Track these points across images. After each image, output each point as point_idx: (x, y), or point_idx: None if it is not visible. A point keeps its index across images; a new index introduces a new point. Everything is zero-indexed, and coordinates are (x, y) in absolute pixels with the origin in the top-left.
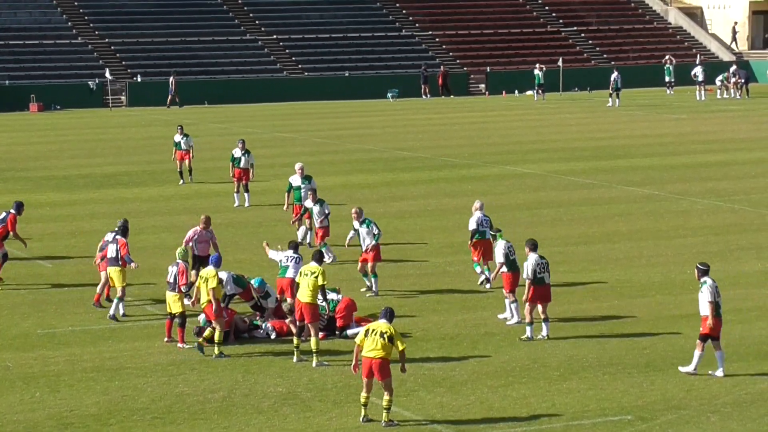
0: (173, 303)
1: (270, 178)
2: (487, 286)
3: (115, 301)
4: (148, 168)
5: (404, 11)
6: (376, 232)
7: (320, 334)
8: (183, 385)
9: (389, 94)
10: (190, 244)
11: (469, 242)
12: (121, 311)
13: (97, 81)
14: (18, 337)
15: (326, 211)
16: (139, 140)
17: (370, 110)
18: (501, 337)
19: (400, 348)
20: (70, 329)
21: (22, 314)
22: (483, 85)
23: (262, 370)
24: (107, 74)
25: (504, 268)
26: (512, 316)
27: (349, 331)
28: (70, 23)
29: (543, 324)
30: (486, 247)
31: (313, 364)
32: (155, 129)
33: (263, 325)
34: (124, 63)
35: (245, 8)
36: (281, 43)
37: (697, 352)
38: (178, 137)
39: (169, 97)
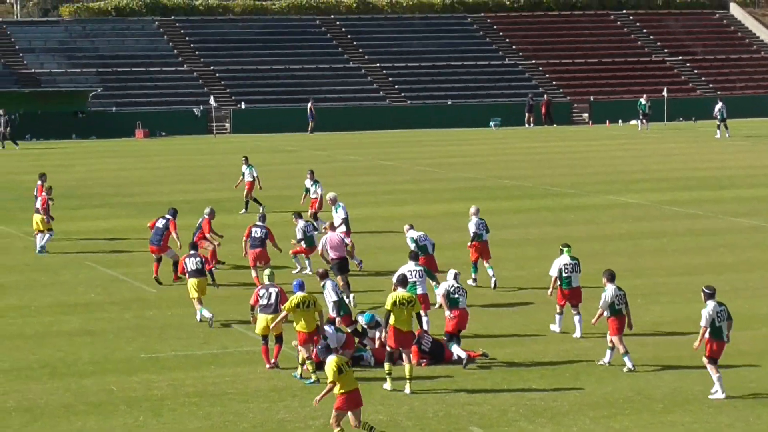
0: (276, 326)
1: (370, 205)
2: (472, 284)
3: (204, 310)
4: (262, 194)
5: (507, 39)
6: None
7: (422, 362)
8: (284, 412)
9: (491, 123)
10: (326, 249)
11: (469, 244)
12: (207, 315)
13: (201, 108)
14: (122, 361)
15: (319, 191)
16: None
17: (473, 139)
18: (603, 368)
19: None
20: (173, 354)
21: (127, 338)
22: (586, 115)
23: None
24: (212, 101)
25: (557, 283)
26: (557, 326)
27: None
28: (176, 51)
29: (608, 351)
30: (483, 249)
31: (407, 390)
32: (258, 156)
33: (365, 354)
34: (228, 90)
35: (349, 36)
36: (384, 71)
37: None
38: (244, 168)
39: (311, 123)
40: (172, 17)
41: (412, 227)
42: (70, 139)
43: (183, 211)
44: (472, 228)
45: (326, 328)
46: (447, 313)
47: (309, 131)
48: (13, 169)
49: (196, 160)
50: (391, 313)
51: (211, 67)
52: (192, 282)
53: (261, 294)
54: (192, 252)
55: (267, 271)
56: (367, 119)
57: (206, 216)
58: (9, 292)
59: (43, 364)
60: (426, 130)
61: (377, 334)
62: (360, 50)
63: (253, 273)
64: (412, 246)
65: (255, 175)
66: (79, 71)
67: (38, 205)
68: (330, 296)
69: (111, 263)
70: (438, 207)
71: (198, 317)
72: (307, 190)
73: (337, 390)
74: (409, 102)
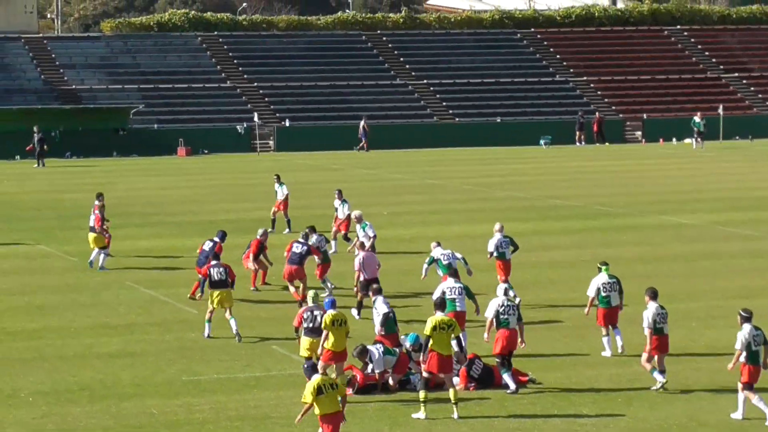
0: (317, 347)
1: (418, 225)
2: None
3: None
4: (295, 213)
5: (558, 55)
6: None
7: (471, 386)
8: None
9: (542, 141)
10: (362, 270)
11: (488, 258)
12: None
13: (245, 125)
14: (163, 384)
15: (346, 211)
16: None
17: (522, 157)
18: (656, 394)
19: None
20: (215, 376)
21: (168, 360)
22: (639, 133)
23: (408, 422)
24: (255, 118)
25: (598, 303)
26: (606, 350)
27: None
28: (219, 67)
29: (658, 374)
30: (505, 267)
31: (454, 416)
32: (303, 174)
33: (412, 378)
34: (272, 107)
35: (395, 52)
36: (432, 88)
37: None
38: (276, 186)
39: (363, 141)
40: (216, 32)
41: (439, 244)
42: (111, 156)
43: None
44: (490, 246)
45: (372, 348)
46: (485, 335)
47: (359, 148)
48: (54, 188)
49: (239, 179)
50: (430, 338)
51: (255, 84)
52: (213, 293)
53: (305, 316)
54: (215, 262)
55: (311, 293)
56: (414, 137)
57: (258, 237)
58: (49, 312)
59: (82, 386)
60: (474, 148)
61: (422, 357)
62: (407, 67)
63: (291, 288)
64: (425, 266)
65: (286, 193)
66: (120, 87)
67: (92, 223)
68: (381, 309)
69: (152, 283)
70: (486, 227)
71: (206, 333)
72: (336, 210)
73: (317, 411)
74: (457, 119)
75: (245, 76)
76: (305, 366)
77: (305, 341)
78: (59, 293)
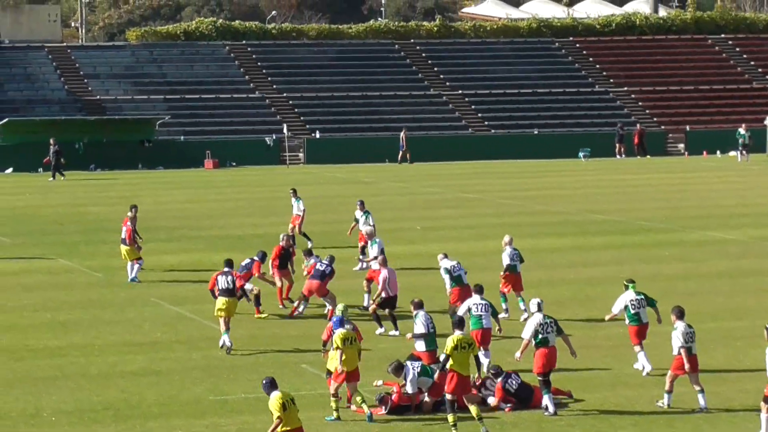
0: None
1: (452, 240)
2: (504, 315)
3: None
4: (325, 228)
5: (598, 66)
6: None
7: (506, 407)
8: None
9: (581, 154)
10: (387, 287)
11: (501, 274)
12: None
13: (274, 137)
14: (189, 403)
15: (371, 222)
16: (316, 199)
17: (560, 170)
18: (700, 416)
19: None
20: (243, 396)
21: (194, 379)
22: (682, 145)
23: None
24: (285, 130)
25: (626, 320)
26: (644, 366)
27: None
28: (247, 77)
29: (699, 396)
30: (516, 280)
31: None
32: (333, 187)
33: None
34: (302, 118)
35: (429, 62)
36: (467, 99)
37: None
38: (293, 201)
39: (400, 152)
40: (244, 41)
41: (446, 256)
42: (136, 169)
43: (252, 245)
44: (505, 259)
45: (408, 365)
46: (517, 354)
47: (399, 161)
48: (78, 201)
49: (268, 192)
50: (450, 358)
51: (284, 94)
52: (220, 300)
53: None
54: (226, 270)
55: (341, 306)
56: (448, 149)
57: (281, 243)
58: (72, 329)
59: (106, 405)
60: (511, 161)
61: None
62: (441, 76)
63: (301, 307)
64: (446, 276)
65: (303, 208)
66: (146, 98)
67: (123, 235)
68: (418, 328)
69: (178, 300)
70: (523, 242)
71: (221, 342)
72: (357, 221)
73: (280, 428)
74: (493, 131)
75: (274, 86)
76: (264, 382)
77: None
78: (83, 309)
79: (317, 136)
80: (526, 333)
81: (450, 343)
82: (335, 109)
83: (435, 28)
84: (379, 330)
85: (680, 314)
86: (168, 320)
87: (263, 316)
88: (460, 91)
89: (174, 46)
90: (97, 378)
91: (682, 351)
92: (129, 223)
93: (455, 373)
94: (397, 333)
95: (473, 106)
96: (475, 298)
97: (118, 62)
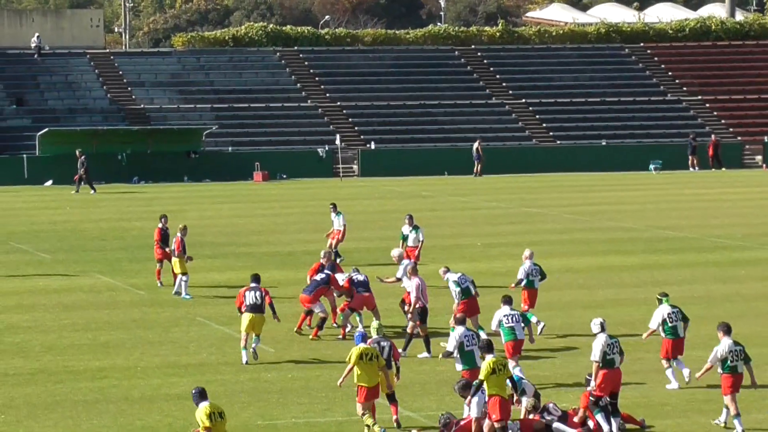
0: (391, 381)
1: (515, 257)
2: (539, 330)
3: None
4: (381, 245)
5: (670, 73)
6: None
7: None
8: None
9: (651, 166)
10: (420, 297)
11: (512, 285)
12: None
13: (326, 148)
14: (237, 429)
15: (421, 237)
16: (371, 214)
17: (630, 184)
18: None
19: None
20: (293, 421)
21: (242, 403)
22: (760, 157)
23: None
24: (338, 141)
25: (661, 332)
26: (672, 382)
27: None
28: (299, 85)
29: (724, 410)
30: (532, 296)
31: None
32: (390, 202)
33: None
34: (356, 128)
35: (491, 69)
36: (531, 108)
37: None
38: (333, 216)
39: (477, 165)
40: (295, 48)
41: (448, 270)
42: (182, 182)
43: (306, 263)
44: (521, 273)
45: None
46: (592, 384)
47: (475, 174)
48: (121, 215)
49: (320, 207)
50: (487, 383)
51: (338, 103)
52: (246, 317)
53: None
54: (253, 285)
55: (375, 323)
56: (511, 161)
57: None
58: (114, 351)
59: (150, 430)
60: (577, 173)
61: (524, 401)
62: (504, 84)
63: (359, 326)
64: (455, 289)
65: (344, 224)
66: (192, 107)
67: (172, 246)
68: (450, 344)
69: (225, 320)
70: (590, 260)
71: (244, 359)
72: (405, 238)
73: None
74: (558, 142)
75: (327, 94)
76: (193, 392)
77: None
78: (125, 329)
79: (372, 147)
80: (595, 355)
81: (485, 368)
82: (391, 118)
83: (497, 34)
84: (423, 354)
85: (727, 330)
86: (215, 341)
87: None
88: (523, 100)
89: (222, 53)
90: (139, 401)
91: (718, 369)
92: (179, 234)
93: (498, 397)
94: (428, 356)
95: (538, 116)
96: (505, 309)
97: (163, 69)
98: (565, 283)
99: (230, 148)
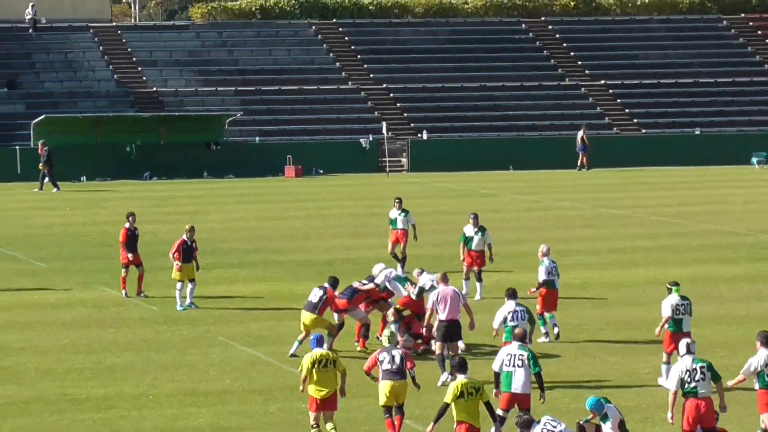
0: (401, 393)
1: (593, 267)
2: (544, 339)
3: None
4: (433, 251)
5: None
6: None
7: None
8: None
9: (754, 159)
10: (436, 308)
11: (533, 290)
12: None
13: (371, 138)
14: None
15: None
16: (422, 216)
17: (729, 180)
18: None
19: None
20: None
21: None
22: None
23: None
24: (384, 130)
25: (667, 326)
26: (664, 376)
27: None
28: (338, 64)
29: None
30: (552, 298)
31: None
32: (443, 202)
33: None
34: (405, 115)
35: (564, 45)
36: (611, 91)
37: None
38: (394, 213)
39: (582, 156)
40: (334, 20)
41: (423, 271)
42: (201, 178)
43: (345, 273)
44: (542, 273)
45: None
46: (669, 416)
47: (579, 167)
48: None
49: (363, 207)
50: (453, 407)
51: (384, 85)
52: (303, 315)
53: (381, 358)
54: (325, 285)
55: (387, 332)
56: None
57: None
58: (123, 376)
59: None
60: (666, 168)
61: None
62: (579, 63)
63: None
64: (431, 295)
65: (412, 222)
66: (213, 90)
67: (173, 251)
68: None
69: (252, 340)
70: (681, 271)
71: (291, 350)
72: (467, 241)
73: None
74: (643, 131)
75: (371, 75)
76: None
77: (385, 386)
78: (135, 351)
79: (424, 137)
80: (672, 383)
81: (452, 390)
82: (446, 103)
83: (572, 3)
84: (442, 377)
85: (766, 341)
86: (239, 365)
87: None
88: (602, 81)
89: (248, 26)
90: None
91: (756, 384)
92: (184, 236)
93: (465, 425)
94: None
95: (619, 100)
96: (510, 305)
97: (179, 46)
98: (652, 298)
99: (257, 139)
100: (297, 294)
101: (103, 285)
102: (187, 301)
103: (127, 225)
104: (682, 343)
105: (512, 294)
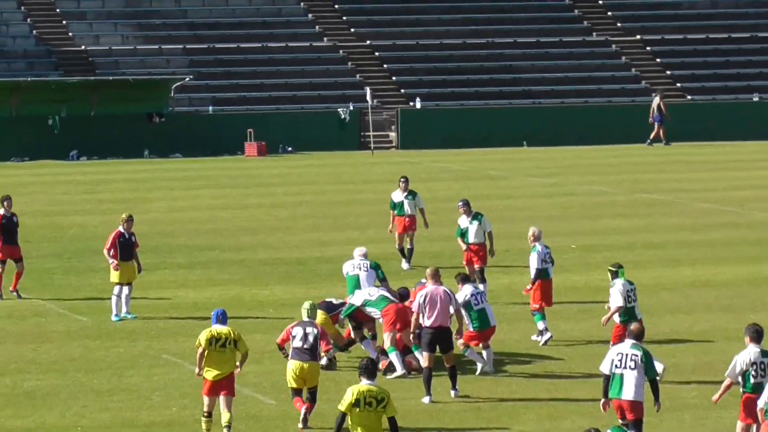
0: (311, 376)
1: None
2: (540, 341)
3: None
4: (431, 248)
5: None
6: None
7: None
8: None
9: None
10: (422, 311)
11: (529, 287)
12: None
13: (351, 108)
14: None
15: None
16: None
17: None
18: None
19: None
20: None
21: None
22: None
23: None
24: (368, 97)
25: (616, 317)
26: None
27: None
28: (311, 16)
29: None
30: (547, 289)
31: None
32: (442, 186)
33: None
34: (394, 79)
35: None
36: (648, 48)
37: None
38: (399, 195)
39: (657, 127)
40: None
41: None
42: (141, 157)
43: (319, 275)
44: (534, 262)
45: None
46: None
47: (649, 142)
48: (52, 208)
49: (342, 193)
50: (349, 417)
51: (368, 42)
52: (292, 364)
53: (294, 333)
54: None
55: (307, 304)
56: (619, 124)
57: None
58: (44, 403)
59: None
60: (716, 143)
61: None
62: (609, 14)
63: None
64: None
65: (421, 207)
66: (155, 49)
67: (107, 246)
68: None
69: None
70: (735, 270)
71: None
72: (463, 233)
73: None
74: (689, 97)
75: (352, 29)
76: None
77: (293, 366)
78: (60, 373)
79: (417, 105)
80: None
81: (348, 396)
82: (445, 64)
83: None
84: (426, 399)
85: (756, 335)
86: (189, 389)
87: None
88: (638, 36)
89: None
90: None
91: (728, 382)
92: (120, 227)
93: None
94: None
95: (658, 60)
96: (468, 288)
97: None
98: (698, 303)
99: (211, 109)
100: (260, 301)
101: (20, 290)
102: (123, 309)
103: (1, 211)
104: (751, 351)
105: (465, 278)
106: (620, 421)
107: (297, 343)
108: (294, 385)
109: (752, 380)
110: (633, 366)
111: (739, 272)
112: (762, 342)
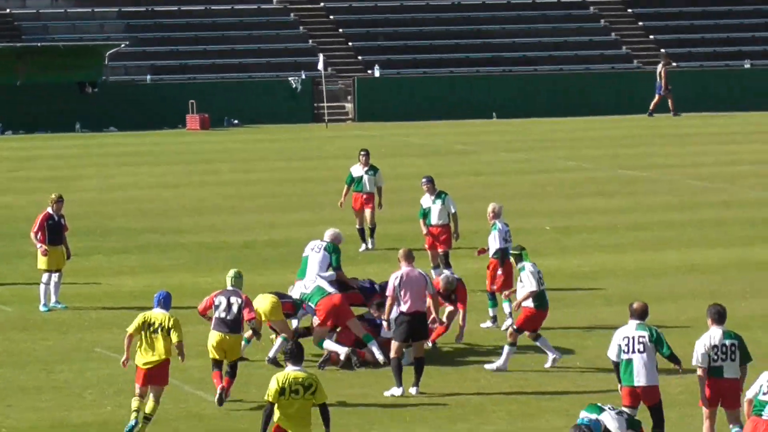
0: (232, 349)
1: (603, 250)
2: (489, 324)
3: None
4: (392, 230)
5: None
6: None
7: None
8: None
9: None
10: (398, 294)
11: (481, 249)
12: None
13: (303, 76)
14: None
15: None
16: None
17: None
18: None
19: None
20: None
21: None
22: None
23: None
24: (320, 65)
25: (530, 302)
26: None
27: None
28: None
29: None
30: (507, 272)
31: None
32: (404, 162)
33: None
34: (351, 44)
35: None
36: (630, 10)
37: None
38: (359, 170)
39: (657, 96)
40: None
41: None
42: (73, 131)
43: (267, 260)
44: (494, 241)
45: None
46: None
47: (650, 112)
48: None
49: (293, 170)
50: (275, 407)
51: (321, 4)
52: (213, 335)
53: (217, 302)
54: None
55: (232, 272)
56: (596, 94)
57: None
58: None
59: None
60: (704, 114)
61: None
62: None
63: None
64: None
65: (381, 185)
66: (88, 12)
67: (35, 229)
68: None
69: None
70: (726, 253)
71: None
72: (425, 213)
73: None
74: (674, 64)
75: None
76: None
77: (213, 337)
78: None
79: (376, 73)
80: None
81: (274, 385)
82: (406, 28)
83: None
84: (393, 390)
85: (718, 317)
86: (125, 384)
87: None
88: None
89: None
90: None
91: (700, 370)
92: (49, 209)
93: (279, 428)
94: (405, 391)
95: (641, 23)
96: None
97: None
98: (687, 290)
99: (149, 78)
100: (204, 289)
101: None
102: (53, 299)
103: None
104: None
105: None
106: (626, 410)
107: (220, 313)
108: (216, 356)
109: (712, 363)
110: (642, 349)
111: (730, 256)
112: (725, 323)
